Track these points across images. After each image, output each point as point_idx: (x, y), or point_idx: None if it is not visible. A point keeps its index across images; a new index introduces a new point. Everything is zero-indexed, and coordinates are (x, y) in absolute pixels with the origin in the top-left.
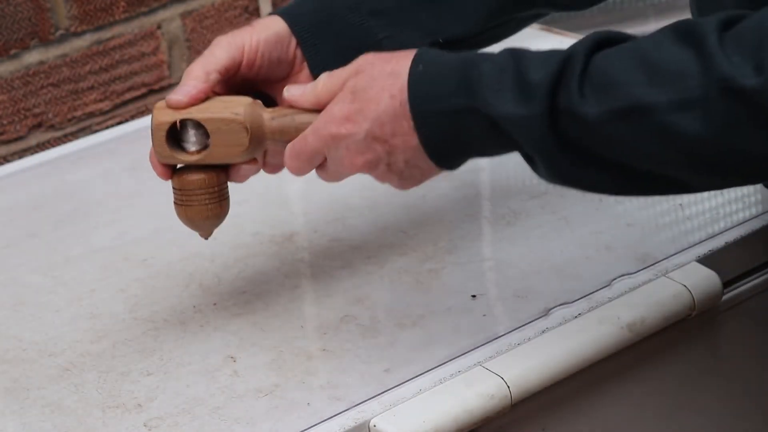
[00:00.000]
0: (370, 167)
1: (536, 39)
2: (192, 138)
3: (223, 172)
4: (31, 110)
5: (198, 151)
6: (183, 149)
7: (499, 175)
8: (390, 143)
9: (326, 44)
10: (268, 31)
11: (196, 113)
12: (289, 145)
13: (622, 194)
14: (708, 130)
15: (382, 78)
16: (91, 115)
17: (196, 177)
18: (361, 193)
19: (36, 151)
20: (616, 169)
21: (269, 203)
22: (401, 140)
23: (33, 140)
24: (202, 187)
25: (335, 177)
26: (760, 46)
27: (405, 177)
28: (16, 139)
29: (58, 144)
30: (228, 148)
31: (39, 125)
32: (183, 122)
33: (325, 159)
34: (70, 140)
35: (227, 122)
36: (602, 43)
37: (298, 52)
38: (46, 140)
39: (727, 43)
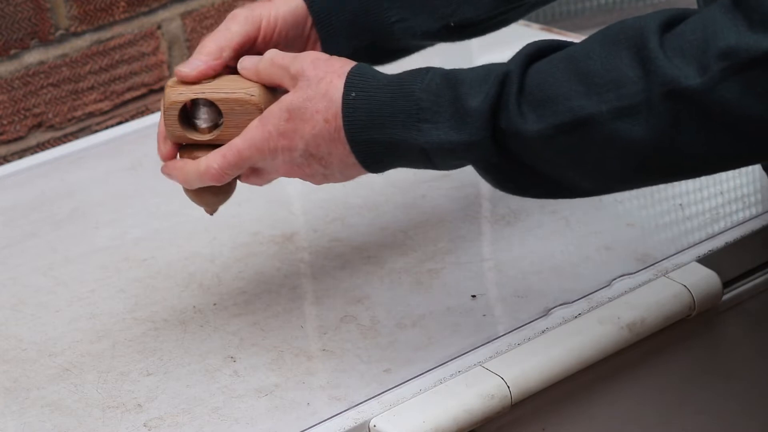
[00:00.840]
0: (305, 177)
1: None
2: (204, 115)
3: None
4: (31, 110)
5: (209, 130)
6: (193, 126)
7: None
8: (326, 160)
9: (341, 26)
10: (286, 8)
11: (209, 93)
12: (219, 154)
13: (574, 197)
14: (653, 134)
15: (316, 99)
16: (91, 115)
17: (204, 154)
18: (361, 193)
19: (36, 151)
20: (566, 181)
21: (269, 203)
22: (337, 159)
23: (33, 140)
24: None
25: (266, 182)
26: (703, 48)
27: (341, 179)
28: (16, 139)
29: (58, 144)
30: (240, 130)
31: (39, 125)
32: (195, 99)
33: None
34: (70, 140)
35: (242, 103)
36: (534, 55)
37: (313, 32)
38: (46, 140)
39: (668, 45)
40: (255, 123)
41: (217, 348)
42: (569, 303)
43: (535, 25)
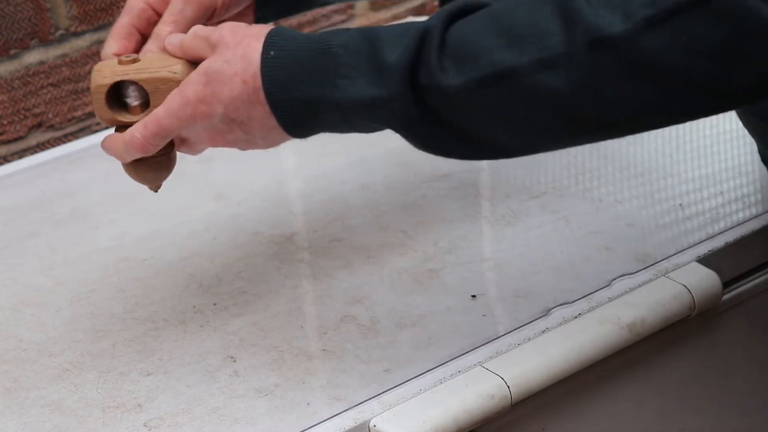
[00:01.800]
0: (229, 144)
1: None
2: (133, 93)
3: None
4: (31, 110)
5: (141, 108)
6: (125, 105)
7: (499, 175)
8: (247, 125)
9: None
10: None
11: (133, 74)
12: (142, 124)
13: (500, 157)
14: (576, 85)
15: (234, 61)
16: (91, 115)
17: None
18: (361, 193)
19: (36, 151)
20: (490, 139)
21: (269, 203)
22: (258, 123)
23: (33, 140)
24: None
25: (197, 152)
26: None
27: (264, 146)
28: (16, 139)
29: (58, 144)
30: None
31: (39, 125)
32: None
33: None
34: (70, 140)
35: (165, 81)
36: (457, 14)
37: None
38: (46, 140)
39: None
40: (175, 91)
41: (217, 348)
42: (569, 303)
43: None
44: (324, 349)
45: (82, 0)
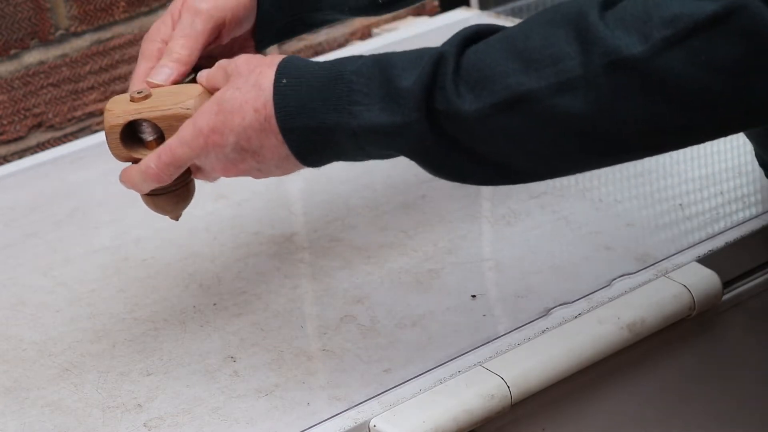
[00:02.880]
0: (242, 173)
1: None
2: (147, 129)
3: None
4: (31, 110)
5: (157, 142)
6: (140, 140)
7: None
8: (259, 154)
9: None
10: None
11: (146, 113)
12: (155, 154)
13: (517, 182)
14: (594, 107)
15: (246, 89)
16: (91, 115)
17: None
18: (361, 193)
19: (36, 151)
20: (507, 164)
21: (269, 203)
22: (270, 152)
23: (33, 140)
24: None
25: (212, 180)
26: (645, 18)
27: (278, 174)
28: (16, 139)
29: (58, 144)
30: None
31: (39, 125)
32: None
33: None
34: (70, 140)
35: (178, 118)
36: (471, 38)
37: (251, 14)
38: (46, 140)
39: (609, 18)
40: (188, 121)
41: (217, 348)
42: (569, 303)
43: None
44: (324, 349)
45: (82, 0)
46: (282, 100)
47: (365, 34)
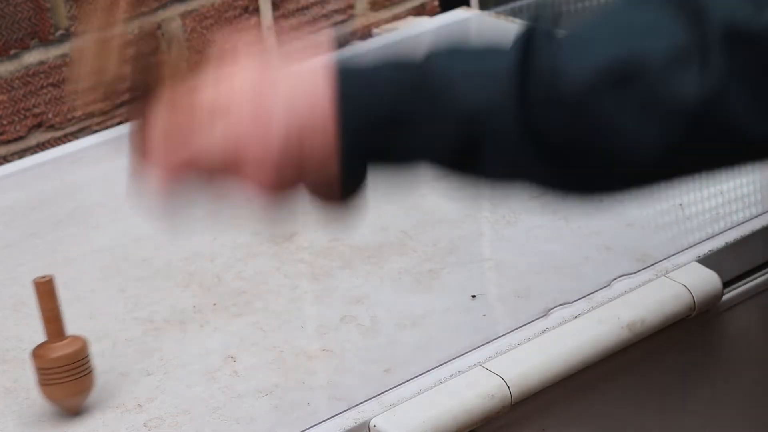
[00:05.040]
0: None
1: None
2: None
3: (85, 345)
4: (31, 110)
5: None
6: None
7: None
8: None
9: None
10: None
11: None
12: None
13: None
14: (705, 88)
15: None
16: (91, 115)
17: (57, 355)
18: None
19: (36, 151)
20: (590, 160)
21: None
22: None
23: (33, 140)
24: (64, 364)
25: None
26: None
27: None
28: (16, 139)
29: (58, 144)
30: None
31: (39, 125)
32: None
33: None
34: (70, 140)
35: None
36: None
37: None
38: (46, 140)
39: None
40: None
41: (217, 348)
42: (569, 303)
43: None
44: (324, 349)
45: (82, 0)
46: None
47: (365, 34)
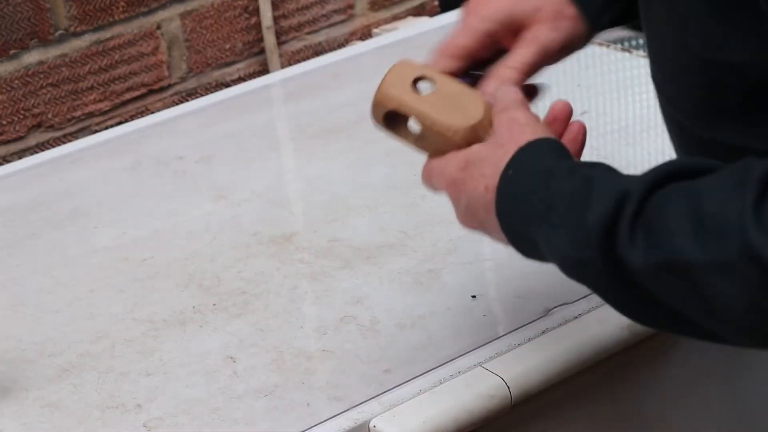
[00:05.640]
0: (471, 229)
1: None
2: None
3: None
4: (31, 110)
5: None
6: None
7: None
8: (485, 226)
9: None
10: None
11: (417, 110)
12: (427, 167)
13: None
14: (741, 296)
15: (487, 163)
16: (91, 115)
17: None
18: (361, 193)
19: (36, 151)
20: (677, 314)
21: (269, 203)
22: (494, 230)
23: (33, 140)
24: None
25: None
26: None
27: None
28: (16, 139)
29: (58, 144)
30: (435, 148)
31: (39, 125)
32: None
33: None
34: (70, 140)
35: (442, 137)
36: (665, 177)
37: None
38: (46, 140)
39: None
40: (447, 156)
41: (217, 348)
42: (569, 303)
43: None
44: (324, 349)
45: (82, 0)
46: (501, 194)
47: (365, 34)
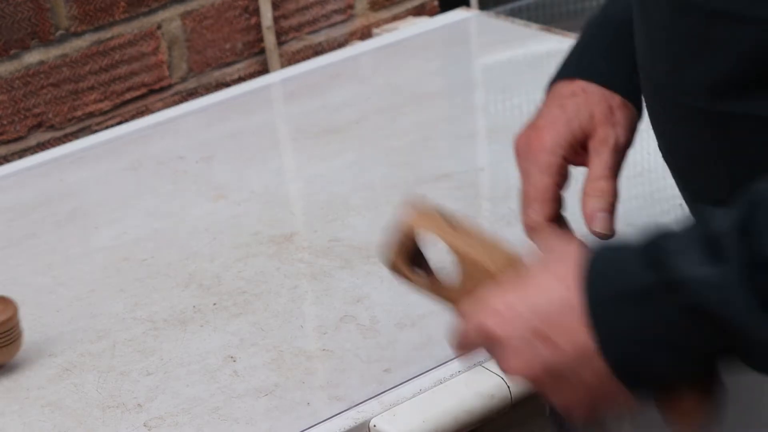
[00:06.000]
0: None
1: (536, 39)
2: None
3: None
4: (31, 110)
5: (427, 276)
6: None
7: (498, 175)
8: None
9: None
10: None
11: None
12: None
13: None
14: None
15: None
16: (91, 115)
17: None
18: (361, 193)
19: (36, 151)
20: None
21: (269, 203)
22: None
23: (33, 140)
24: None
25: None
26: None
27: (575, 382)
28: (16, 139)
29: (58, 144)
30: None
31: (39, 125)
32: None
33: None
34: (70, 140)
35: (481, 269)
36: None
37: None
38: (46, 140)
39: None
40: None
41: (217, 348)
42: None
43: (535, 25)
44: (324, 349)
45: (82, 0)
46: (592, 265)
47: (365, 34)
